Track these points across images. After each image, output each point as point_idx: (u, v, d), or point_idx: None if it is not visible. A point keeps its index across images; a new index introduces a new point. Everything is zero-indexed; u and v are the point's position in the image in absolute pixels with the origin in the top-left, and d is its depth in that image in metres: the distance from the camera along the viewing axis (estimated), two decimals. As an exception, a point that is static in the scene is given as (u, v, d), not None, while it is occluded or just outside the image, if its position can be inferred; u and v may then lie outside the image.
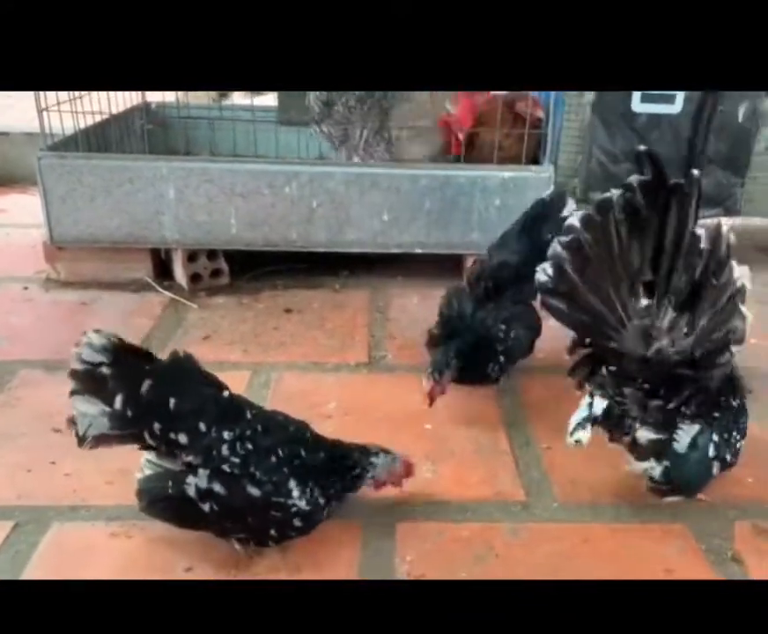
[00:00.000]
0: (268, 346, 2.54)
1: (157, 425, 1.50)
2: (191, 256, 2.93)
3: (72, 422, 1.51)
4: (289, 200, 2.83)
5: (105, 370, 1.50)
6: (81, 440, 1.51)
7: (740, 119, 2.94)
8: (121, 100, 3.37)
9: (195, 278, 2.95)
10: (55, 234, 2.85)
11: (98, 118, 3.11)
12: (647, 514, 1.78)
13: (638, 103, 2.78)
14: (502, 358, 2.19)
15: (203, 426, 1.52)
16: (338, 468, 1.63)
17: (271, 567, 1.59)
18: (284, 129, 3.36)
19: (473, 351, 2.13)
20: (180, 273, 2.94)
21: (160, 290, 2.92)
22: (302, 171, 2.83)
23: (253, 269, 3.09)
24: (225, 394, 1.62)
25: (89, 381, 1.50)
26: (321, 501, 1.58)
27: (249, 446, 1.54)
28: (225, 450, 1.52)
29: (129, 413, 1.49)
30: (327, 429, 2.06)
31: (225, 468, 1.51)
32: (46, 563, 1.59)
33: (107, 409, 1.49)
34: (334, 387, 2.29)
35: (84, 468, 1.87)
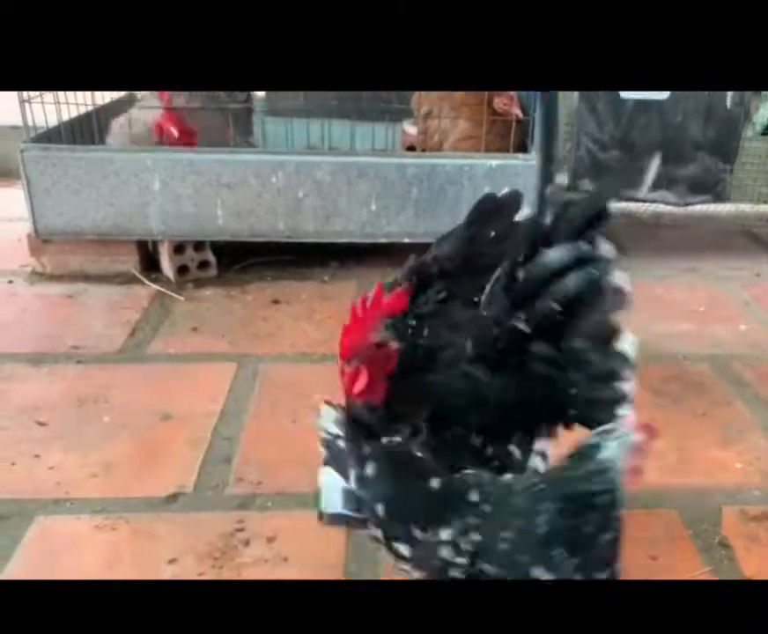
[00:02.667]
0: (256, 337, 2.52)
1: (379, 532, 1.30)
2: (178, 248, 2.91)
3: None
4: (275, 190, 2.81)
5: (341, 443, 1.34)
6: (319, 516, 1.35)
7: (728, 105, 2.93)
8: (106, 92, 3.33)
9: (182, 270, 2.93)
10: (40, 227, 2.83)
11: (82, 110, 3.07)
12: (633, 499, 1.77)
13: (625, 90, 2.77)
14: None
15: (417, 532, 1.25)
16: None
17: (258, 558, 1.58)
18: (271, 118, 3.34)
19: None
20: (167, 265, 2.92)
21: (147, 282, 2.89)
22: (288, 160, 2.81)
23: (241, 260, 3.07)
24: (435, 483, 1.27)
25: (331, 453, 1.35)
26: None
27: (476, 538, 1.22)
28: (445, 553, 1.22)
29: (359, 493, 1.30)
30: (313, 420, 2.06)
31: (455, 572, 1.23)
32: (30, 556, 1.57)
33: (344, 484, 1.31)
34: (322, 378, 2.26)
35: (68, 461, 1.86)
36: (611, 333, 1.43)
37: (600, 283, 1.43)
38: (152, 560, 1.56)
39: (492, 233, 2.14)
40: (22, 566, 1.54)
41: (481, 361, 1.47)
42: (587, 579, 1.18)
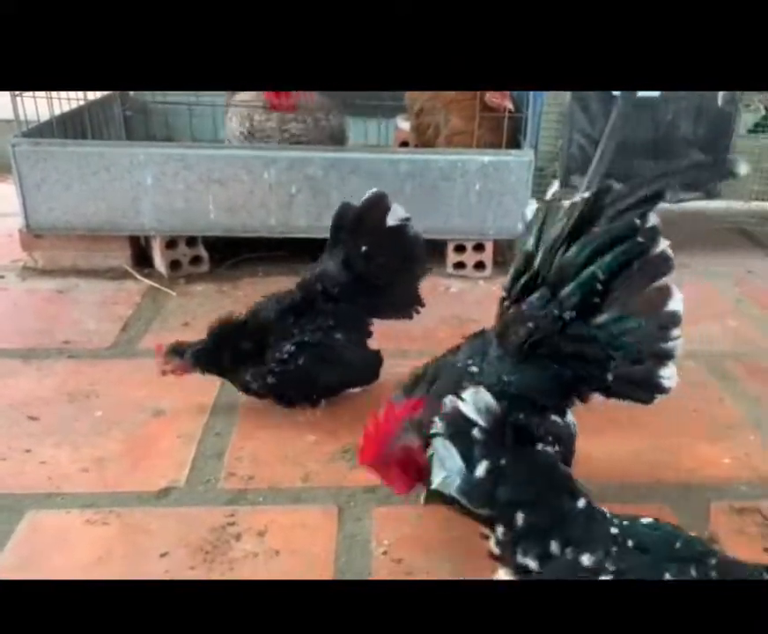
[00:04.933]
0: (247, 333, 2.52)
1: (501, 530, 1.23)
2: (170, 243, 2.91)
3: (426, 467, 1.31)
4: (267, 185, 2.81)
5: (477, 433, 1.24)
6: (428, 496, 1.36)
7: (719, 103, 2.94)
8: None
9: (174, 265, 2.93)
10: (31, 222, 2.82)
11: (74, 104, 3.07)
12: (624, 496, 1.78)
13: (617, 87, 2.78)
14: (270, 379, 1.98)
15: (555, 547, 1.21)
16: None
17: (249, 552, 1.58)
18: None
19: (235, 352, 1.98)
20: (158, 260, 2.92)
21: (139, 277, 2.89)
22: (280, 156, 2.81)
23: (233, 256, 3.07)
24: (581, 503, 1.25)
25: (459, 436, 1.25)
26: None
27: (615, 568, 1.18)
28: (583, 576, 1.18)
29: (486, 488, 1.23)
30: (305, 415, 2.07)
31: None
32: (20, 551, 1.57)
33: (465, 471, 1.22)
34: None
35: (60, 456, 1.86)
36: (658, 298, 1.55)
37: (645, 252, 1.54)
38: (144, 554, 1.56)
39: (363, 248, 2.06)
40: (13, 560, 1.54)
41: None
42: (587, 579, 1.18)
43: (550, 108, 2.87)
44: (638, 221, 1.51)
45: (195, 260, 2.97)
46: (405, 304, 2.13)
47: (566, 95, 2.86)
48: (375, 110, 3.18)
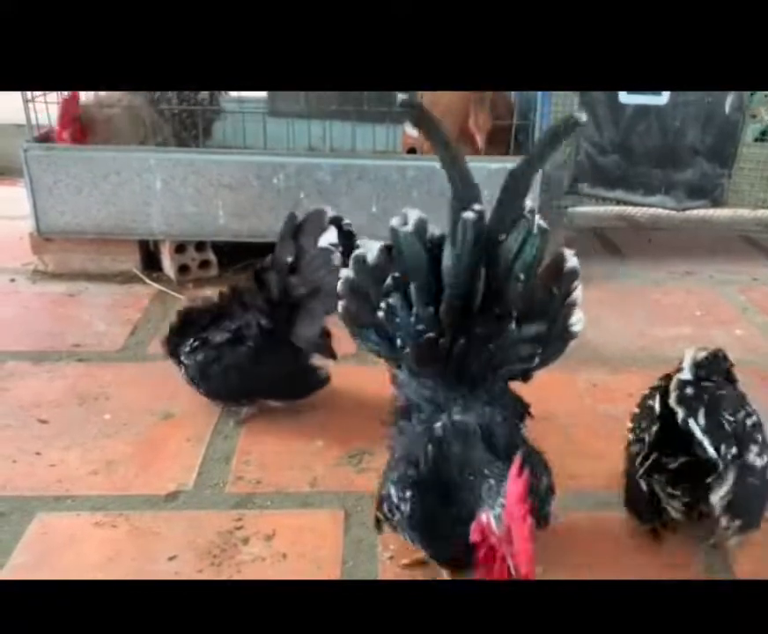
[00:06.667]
0: (255, 337, 2.53)
1: None
2: (179, 248, 2.93)
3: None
4: (276, 191, 2.83)
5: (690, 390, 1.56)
6: None
7: (726, 110, 2.95)
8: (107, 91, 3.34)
9: (183, 270, 2.95)
10: (42, 226, 2.85)
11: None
12: (630, 502, 1.79)
13: (624, 95, 2.79)
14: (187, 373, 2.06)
15: None
16: None
17: (257, 556, 1.60)
18: (272, 119, 3.35)
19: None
20: (168, 264, 2.94)
21: (148, 281, 2.91)
22: (290, 162, 2.83)
23: (241, 260, 3.09)
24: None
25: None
26: None
27: None
28: None
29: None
30: (313, 419, 2.08)
31: None
32: (30, 552, 1.59)
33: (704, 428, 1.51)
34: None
35: (69, 458, 1.87)
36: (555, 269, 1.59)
37: None
38: (152, 557, 1.58)
39: (289, 259, 1.99)
40: (22, 562, 1.56)
41: None
42: (586, 580, 1.19)
43: (557, 115, 2.88)
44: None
45: (204, 264, 2.98)
46: (311, 334, 2.01)
47: (574, 102, 2.87)
48: (384, 116, 3.19)
